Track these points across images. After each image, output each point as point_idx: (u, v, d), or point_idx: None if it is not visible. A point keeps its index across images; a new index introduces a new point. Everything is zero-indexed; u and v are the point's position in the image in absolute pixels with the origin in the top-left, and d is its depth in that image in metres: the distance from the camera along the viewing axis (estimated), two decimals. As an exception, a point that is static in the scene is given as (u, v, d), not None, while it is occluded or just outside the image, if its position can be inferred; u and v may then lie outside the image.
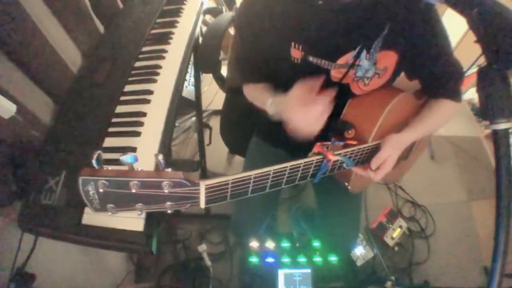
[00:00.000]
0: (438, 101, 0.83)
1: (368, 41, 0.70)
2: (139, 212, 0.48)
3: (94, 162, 0.44)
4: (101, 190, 0.44)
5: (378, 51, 0.72)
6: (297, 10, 0.69)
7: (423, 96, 0.87)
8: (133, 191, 0.45)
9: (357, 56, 0.71)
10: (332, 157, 0.64)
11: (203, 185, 0.48)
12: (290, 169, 0.60)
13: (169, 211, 0.49)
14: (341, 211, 1.08)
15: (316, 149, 0.66)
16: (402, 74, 0.85)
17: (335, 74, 0.76)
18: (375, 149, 0.75)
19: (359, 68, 0.74)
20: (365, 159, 0.76)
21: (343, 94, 0.79)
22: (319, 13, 0.68)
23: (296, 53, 0.73)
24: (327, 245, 1.29)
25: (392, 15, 0.68)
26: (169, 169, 0.47)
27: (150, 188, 0.45)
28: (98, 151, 0.44)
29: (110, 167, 0.46)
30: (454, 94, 0.82)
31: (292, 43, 0.72)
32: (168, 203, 0.48)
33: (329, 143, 0.69)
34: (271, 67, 0.81)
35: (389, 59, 0.74)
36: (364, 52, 0.71)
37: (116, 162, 0.47)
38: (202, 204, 0.51)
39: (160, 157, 0.46)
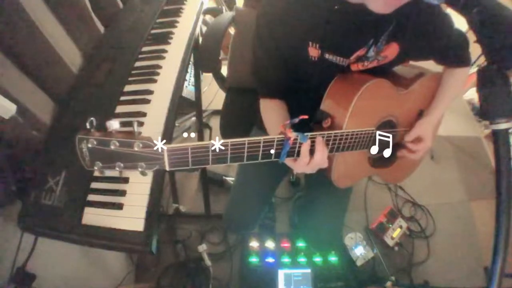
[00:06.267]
0: (451, 71, 0.94)
1: (377, 37, 0.77)
2: (117, 169, 0.56)
3: (87, 125, 0.54)
4: (90, 146, 0.54)
5: (384, 44, 0.78)
6: (313, 14, 0.75)
7: (403, 84, 0.90)
8: (112, 147, 0.54)
9: (367, 50, 0.78)
10: (291, 135, 0.66)
11: (165, 147, 0.57)
12: (249, 144, 0.63)
13: (139, 170, 0.57)
14: (324, 207, 1.11)
15: (279, 128, 0.68)
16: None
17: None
18: (371, 137, 0.79)
19: (365, 58, 0.81)
20: (356, 146, 0.79)
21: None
22: (334, 16, 0.73)
23: (313, 52, 0.79)
24: (309, 239, 1.31)
25: (398, 14, 0.73)
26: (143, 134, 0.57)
27: (126, 147, 0.55)
28: (91, 118, 0.54)
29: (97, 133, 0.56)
30: (465, 61, 0.93)
31: (310, 43, 0.78)
32: (141, 163, 0.56)
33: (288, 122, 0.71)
34: (291, 68, 0.86)
35: (391, 49, 0.81)
36: (373, 46, 0.78)
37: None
38: (167, 167, 0.58)
39: (135, 124, 0.56)
